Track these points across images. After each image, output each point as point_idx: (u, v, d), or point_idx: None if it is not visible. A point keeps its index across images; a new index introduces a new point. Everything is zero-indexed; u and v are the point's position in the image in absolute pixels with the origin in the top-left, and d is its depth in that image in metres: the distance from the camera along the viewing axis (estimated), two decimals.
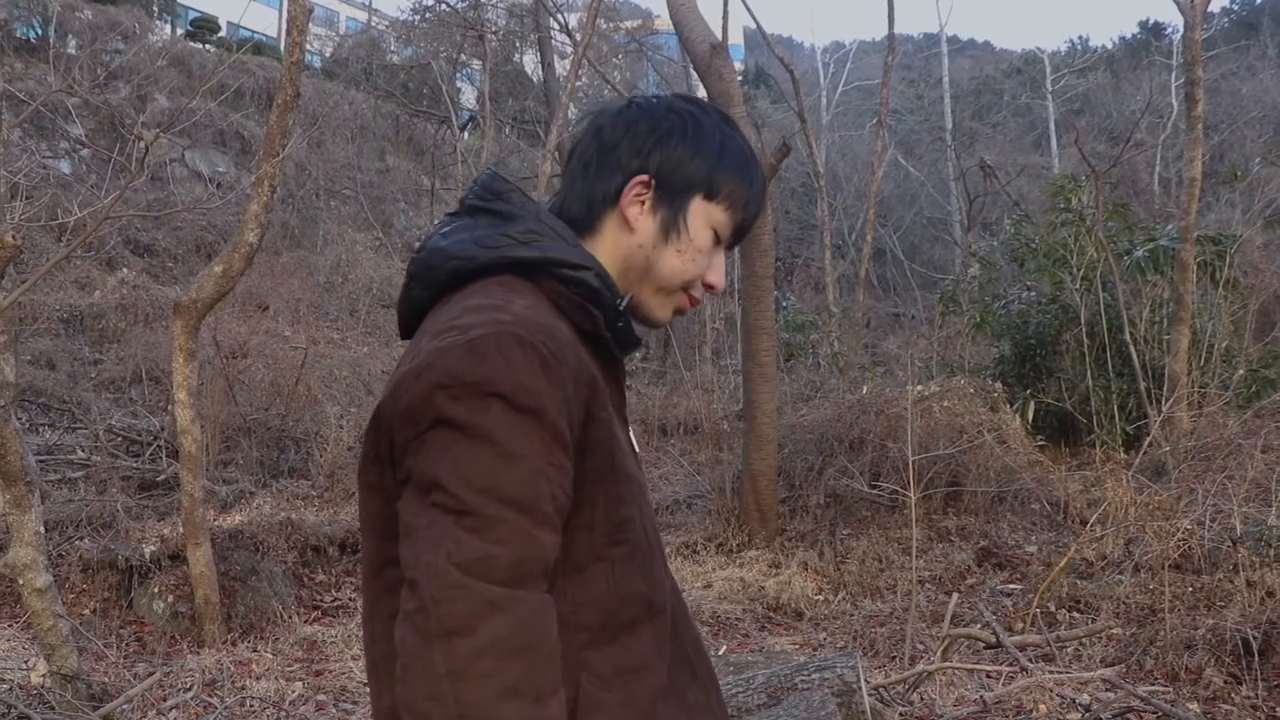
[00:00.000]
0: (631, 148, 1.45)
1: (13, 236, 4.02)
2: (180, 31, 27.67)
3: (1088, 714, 4.42)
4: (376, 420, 1.32)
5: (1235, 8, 43.69)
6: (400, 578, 1.24)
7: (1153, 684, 4.94)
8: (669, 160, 1.45)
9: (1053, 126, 32.42)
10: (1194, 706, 4.59)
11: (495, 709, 1.15)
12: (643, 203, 1.45)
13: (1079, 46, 43.50)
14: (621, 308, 1.41)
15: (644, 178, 1.44)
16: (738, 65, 24.01)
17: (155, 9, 27.28)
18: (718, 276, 1.50)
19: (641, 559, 1.38)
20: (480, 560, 1.18)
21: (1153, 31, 40.18)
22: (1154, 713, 4.35)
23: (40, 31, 20.84)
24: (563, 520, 1.26)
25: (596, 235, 1.46)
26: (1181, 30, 11.21)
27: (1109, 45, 44.38)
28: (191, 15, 29.61)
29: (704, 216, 1.46)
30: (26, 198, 10.65)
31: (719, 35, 10.02)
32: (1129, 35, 43.47)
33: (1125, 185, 19.93)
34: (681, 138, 1.46)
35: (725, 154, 1.48)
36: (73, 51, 20.24)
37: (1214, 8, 39.88)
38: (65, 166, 18.29)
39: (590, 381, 1.31)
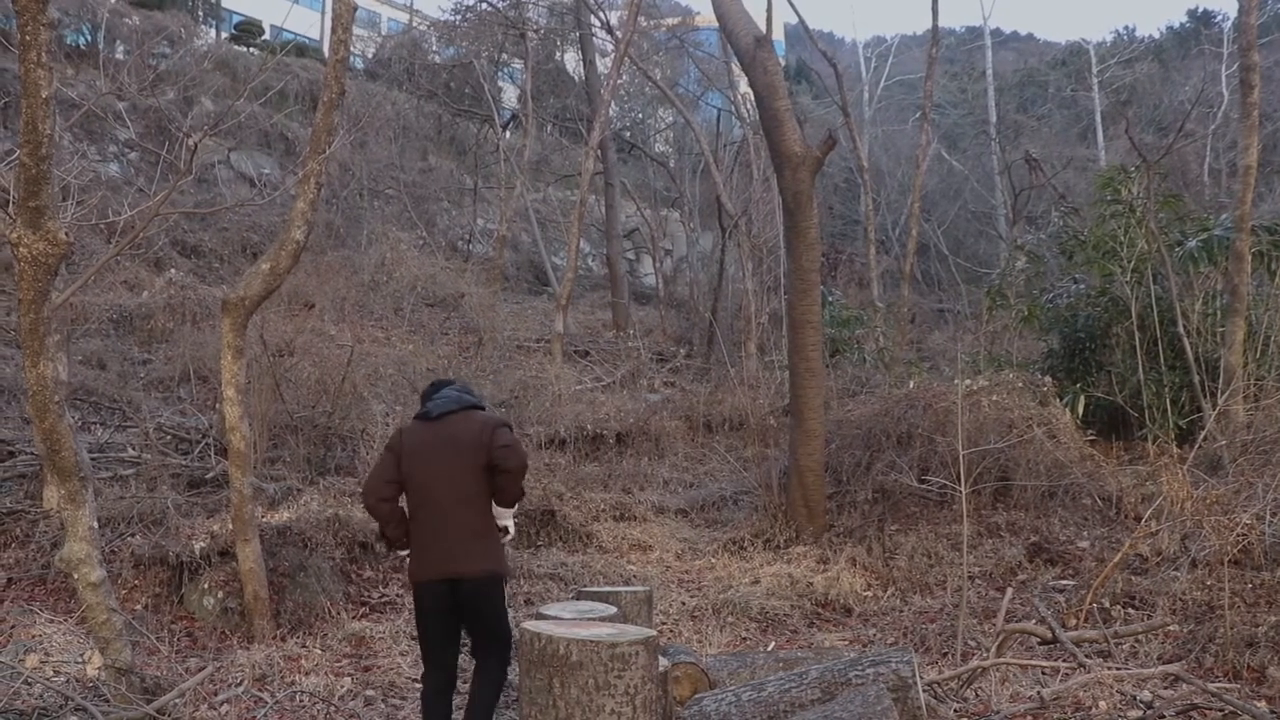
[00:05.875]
0: None
1: (66, 234, 4.06)
2: (225, 35, 27.95)
3: (1150, 711, 4.32)
4: None
5: None
6: None
7: (1214, 681, 4.82)
8: None
9: (1099, 118, 31.93)
10: (1261, 704, 4.48)
11: None
12: None
13: (1125, 37, 42.79)
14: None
15: None
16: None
17: (200, 13, 27.58)
18: None
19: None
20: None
21: (1202, 20, 39.52)
22: (1220, 710, 4.24)
23: (90, 37, 21.14)
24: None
25: None
26: (1234, 16, 10.97)
27: (1157, 35, 43.70)
28: (235, 19, 29.92)
29: None
30: (77, 200, 10.77)
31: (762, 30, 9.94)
32: (1177, 24, 42.78)
33: (1175, 176, 19.58)
34: None
35: None
36: (121, 56, 20.55)
37: None
38: (114, 169, 18.54)
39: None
